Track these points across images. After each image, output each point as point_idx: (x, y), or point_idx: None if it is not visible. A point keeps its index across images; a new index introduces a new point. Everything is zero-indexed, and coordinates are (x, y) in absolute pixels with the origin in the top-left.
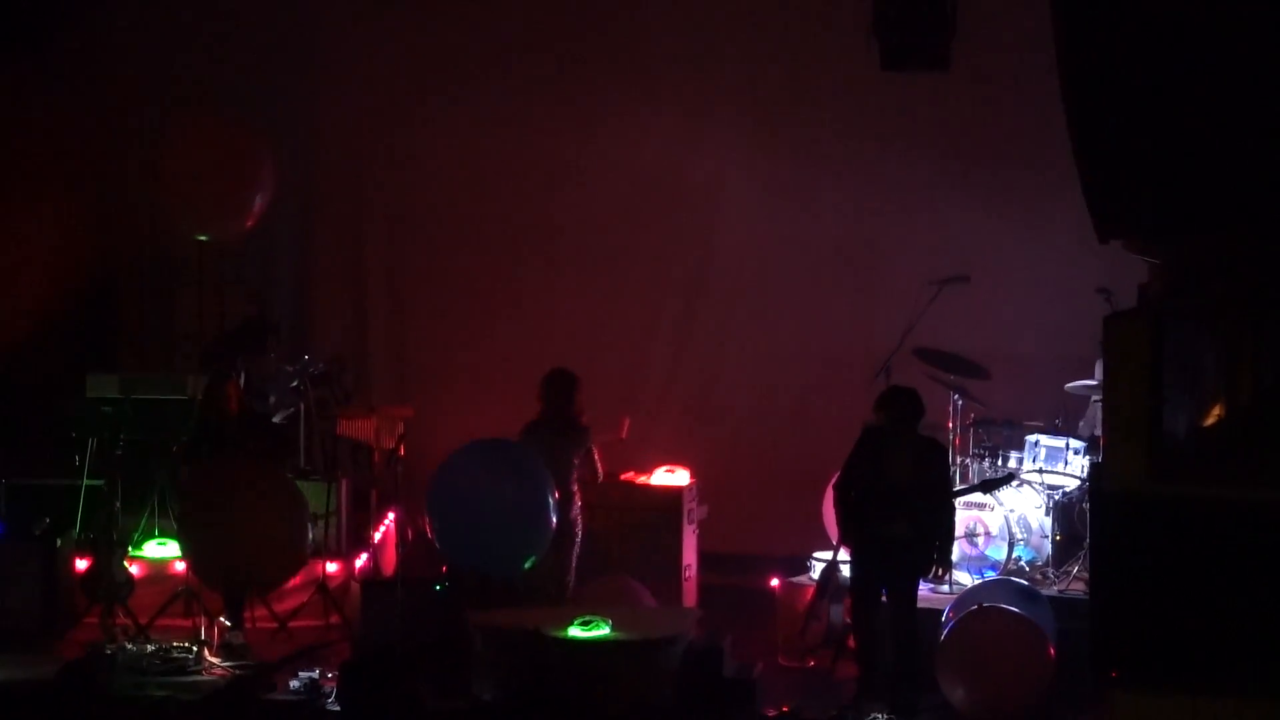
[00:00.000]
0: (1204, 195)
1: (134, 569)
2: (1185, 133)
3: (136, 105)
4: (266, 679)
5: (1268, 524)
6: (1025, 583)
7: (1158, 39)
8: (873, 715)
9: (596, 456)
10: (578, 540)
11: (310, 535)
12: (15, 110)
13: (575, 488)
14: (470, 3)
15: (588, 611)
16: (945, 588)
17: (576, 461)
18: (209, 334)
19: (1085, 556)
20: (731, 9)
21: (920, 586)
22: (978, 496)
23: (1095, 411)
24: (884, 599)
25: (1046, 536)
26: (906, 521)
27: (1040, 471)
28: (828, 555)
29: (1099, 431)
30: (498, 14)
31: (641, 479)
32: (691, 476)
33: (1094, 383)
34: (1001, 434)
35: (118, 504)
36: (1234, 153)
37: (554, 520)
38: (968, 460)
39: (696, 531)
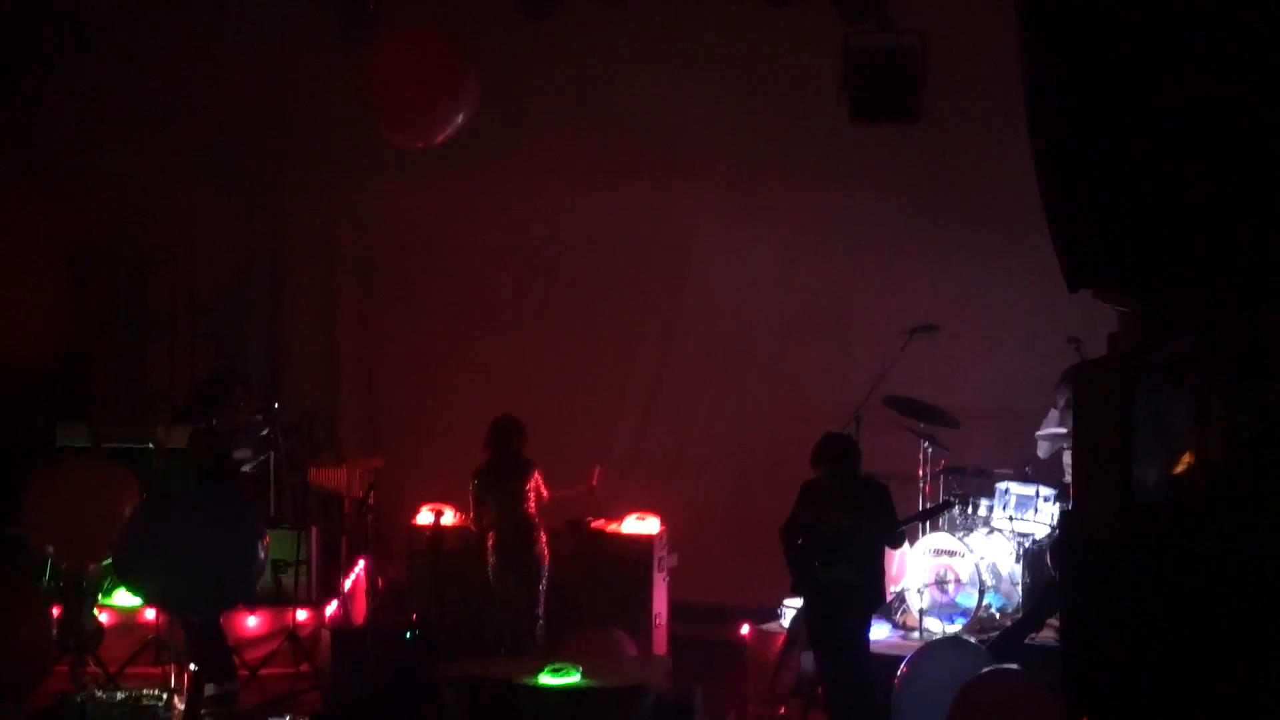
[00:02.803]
0: (1175, 247)
1: (104, 617)
2: (1155, 184)
3: (109, 165)
4: None
5: (1239, 577)
6: (971, 640)
7: (1128, 91)
8: None
9: (540, 482)
10: (544, 575)
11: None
12: None
13: (536, 520)
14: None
15: (562, 660)
16: (915, 634)
17: (529, 492)
18: (182, 389)
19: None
20: (702, 61)
21: (890, 633)
22: (948, 543)
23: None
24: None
25: (1017, 584)
26: (852, 566)
27: (1010, 519)
28: (798, 603)
29: (1066, 469)
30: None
31: (612, 527)
32: (662, 525)
33: (1063, 431)
34: (972, 482)
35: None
36: (1205, 205)
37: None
38: (941, 499)
39: (667, 580)
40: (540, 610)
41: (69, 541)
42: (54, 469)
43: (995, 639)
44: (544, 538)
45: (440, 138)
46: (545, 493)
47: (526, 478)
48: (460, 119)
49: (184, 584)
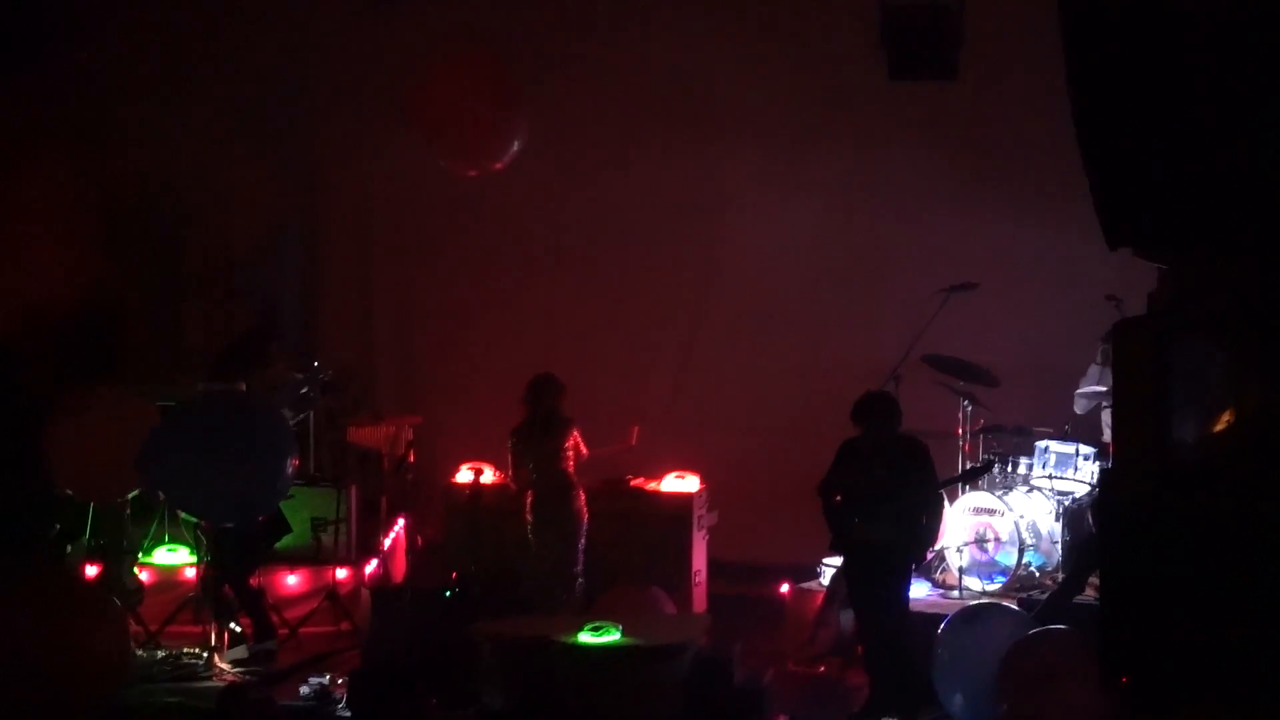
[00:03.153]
0: (1212, 204)
1: (144, 576)
2: (1194, 142)
3: (144, 125)
4: (276, 686)
5: (1274, 534)
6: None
7: (1167, 47)
8: None
9: (579, 440)
10: (582, 532)
11: None
12: (22, 124)
13: (573, 478)
14: (474, 20)
15: (600, 618)
16: (955, 593)
17: (567, 450)
18: (216, 346)
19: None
20: (739, 21)
21: (929, 592)
22: (987, 501)
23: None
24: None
25: (1056, 542)
26: (890, 524)
27: (1050, 478)
28: (837, 562)
29: (1106, 427)
30: (500, 30)
31: (651, 485)
32: (701, 483)
33: (1104, 389)
34: (1011, 440)
35: (128, 511)
36: (1243, 164)
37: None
38: (976, 463)
39: (706, 538)
40: (579, 568)
41: (91, 476)
42: (76, 404)
43: (1040, 607)
44: (582, 496)
45: (498, 166)
46: (584, 451)
47: (564, 435)
48: (516, 147)
49: (206, 487)
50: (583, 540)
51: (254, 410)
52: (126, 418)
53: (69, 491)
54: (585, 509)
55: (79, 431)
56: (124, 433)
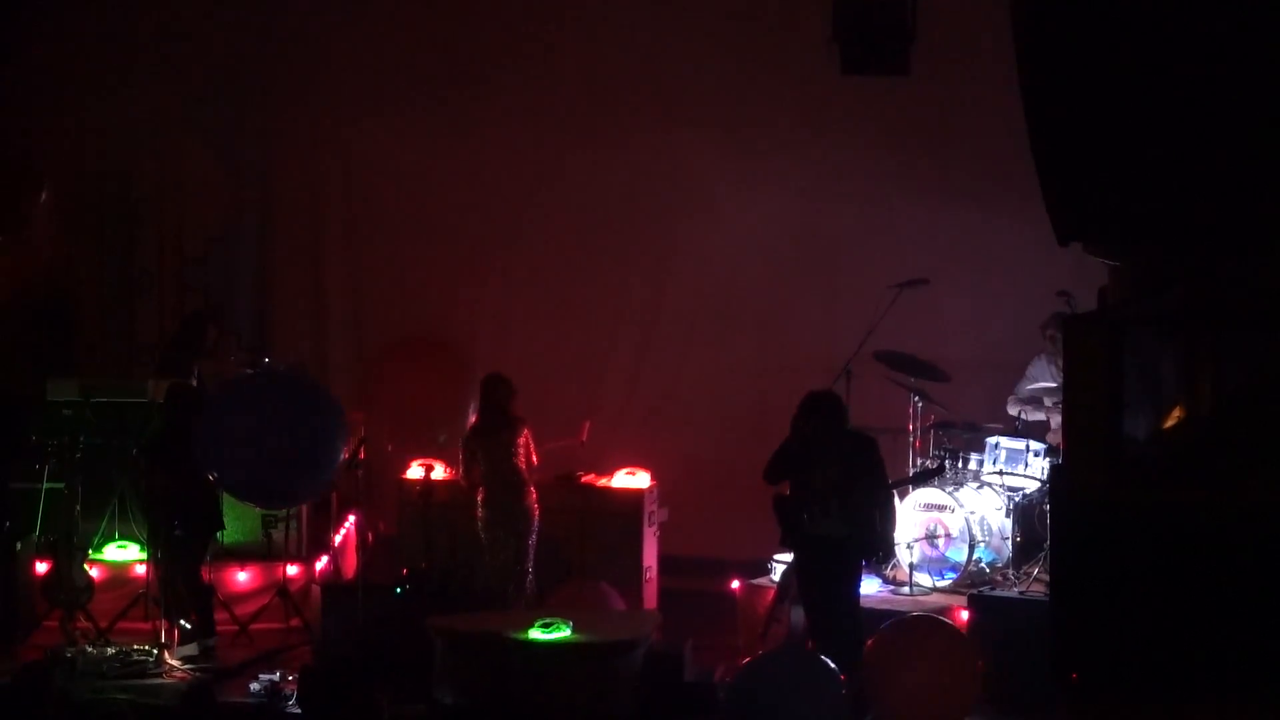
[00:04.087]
0: (1163, 200)
1: (94, 573)
2: (1145, 138)
3: (96, 118)
4: (226, 682)
5: (1228, 528)
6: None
7: (1118, 44)
8: None
9: (531, 444)
10: (534, 529)
11: None
12: None
13: (525, 475)
14: (429, 14)
15: (549, 614)
16: (905, 590)
17: (519, 447)
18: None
19: (1045, 558)
20: (692, 15)
21: (880, 588)
22: (938, 497)
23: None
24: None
25: (1007, 538)
26: (843, 520)
27: (1001, 473)
28: (788, 557)
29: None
30: (456, 25)
31: (602, 481)
32: (652, 479)
33: (1054, 385)
34: (962, 436)
35: (78, 507)
36: (1193, 160)
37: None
38: (928, 463)
39: (657, 534)
40: (530, 565)
41: None
42: None
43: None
44: (534, 493)
45: None
46: (535, 458)
47: (516, 433)
48: None
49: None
50: (534, 537)
51: (313, 393)
52: None
53: None
54: (537, 506)
55: None
56: None
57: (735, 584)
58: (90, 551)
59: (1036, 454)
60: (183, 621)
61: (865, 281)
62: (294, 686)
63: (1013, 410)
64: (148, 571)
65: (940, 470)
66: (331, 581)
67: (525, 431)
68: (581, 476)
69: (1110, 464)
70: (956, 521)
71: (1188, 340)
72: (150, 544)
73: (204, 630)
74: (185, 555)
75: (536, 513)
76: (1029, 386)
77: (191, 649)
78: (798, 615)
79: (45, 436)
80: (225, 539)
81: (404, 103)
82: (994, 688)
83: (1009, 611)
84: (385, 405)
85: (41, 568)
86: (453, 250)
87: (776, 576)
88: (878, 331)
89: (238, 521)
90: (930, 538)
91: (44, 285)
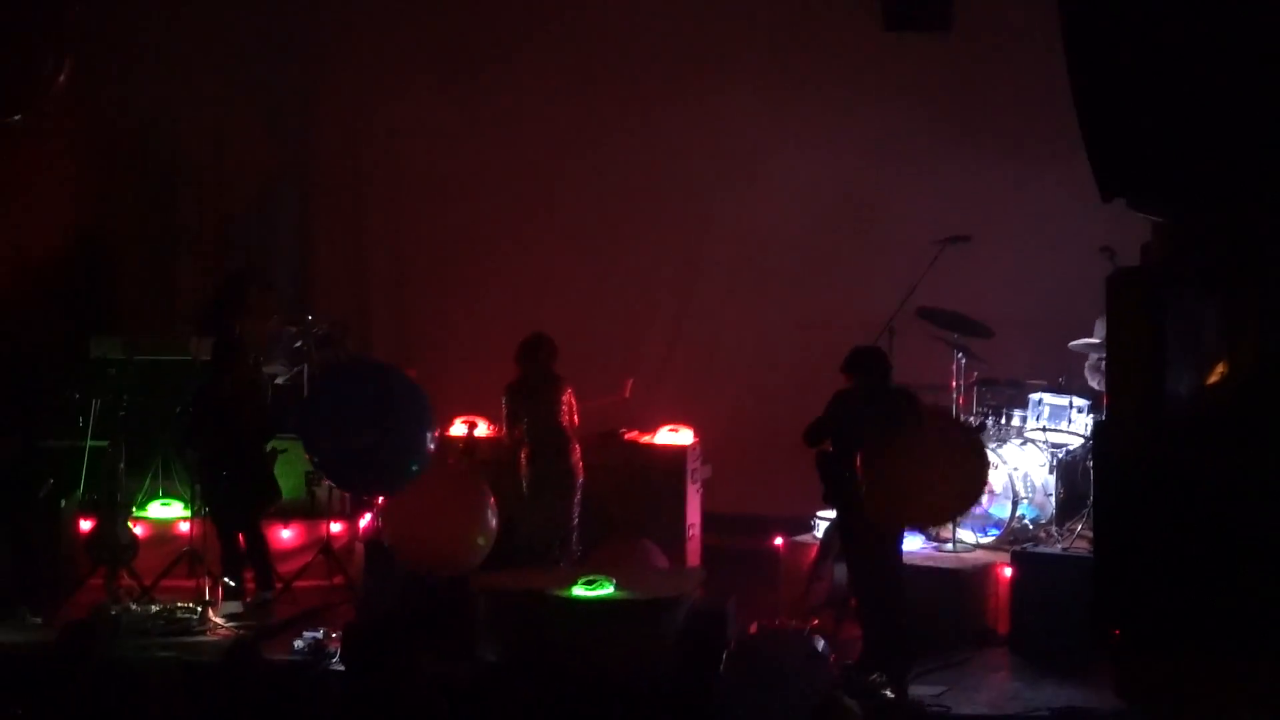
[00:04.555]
0: (1207, 157)
1: (138, 530)
2: (1189, 94)
3: (140, 77)
4: (270, 640)
5: (1270, 485)
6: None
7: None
8: (874, 676)
9: (574, 403)
10: (578, 487)
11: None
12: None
13: (569, 433)
14: None
15: (593, 571)
16: (949, 546)
17: (562, 405)
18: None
19: (1089, 515)
20: None
21: (923, 545)
22: None
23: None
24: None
25: (1050, 495)
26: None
27: (1044, 430)
28: (831, 515)
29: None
30: None
31: (645, 438)
32: (695, 436)
33: (1097, 341)
34: (1005, 393)
35: (121, 465)
36: (1238, 117)
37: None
38: (972, 419)
39: (700, 491)
40: (575, 523)
41: None
42: None
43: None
44: (578, 451)
45: None
46: (576, 418)
47: (559, 392)
48: None
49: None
50: (578, 495)
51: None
52: None
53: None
54: (581, 464)
55: None
56: None
57: (778, 541)
58: (134, 509)
59: (1080, 410)
60: (226, 579)
61: (907, 239)
62: (337, 644)
63: (1092, 382)
64: (191, 529)
65: (982, 428)
66: (374, 539)
67: (568, 390)
68: (625, 433)
69: (1153, 421)
70: (1000, 478)
71: (1230, 297)
72: (205, 499)
73: (265, 583)
74: (247, 507)
75: (580, 471)
76: (1075, 342)
77: (236, 606)
78: (841, 573)
79: (89, 394)
80: None
81: (443, 66)
82: (1037, 644)
83: (1052, 568)
84: (429, 364)
85: (85, 526)
86: (493, 211)
87: (819, 534)
88: (920, 288)
89: (281, 480)
90: None
91: (84, 244)
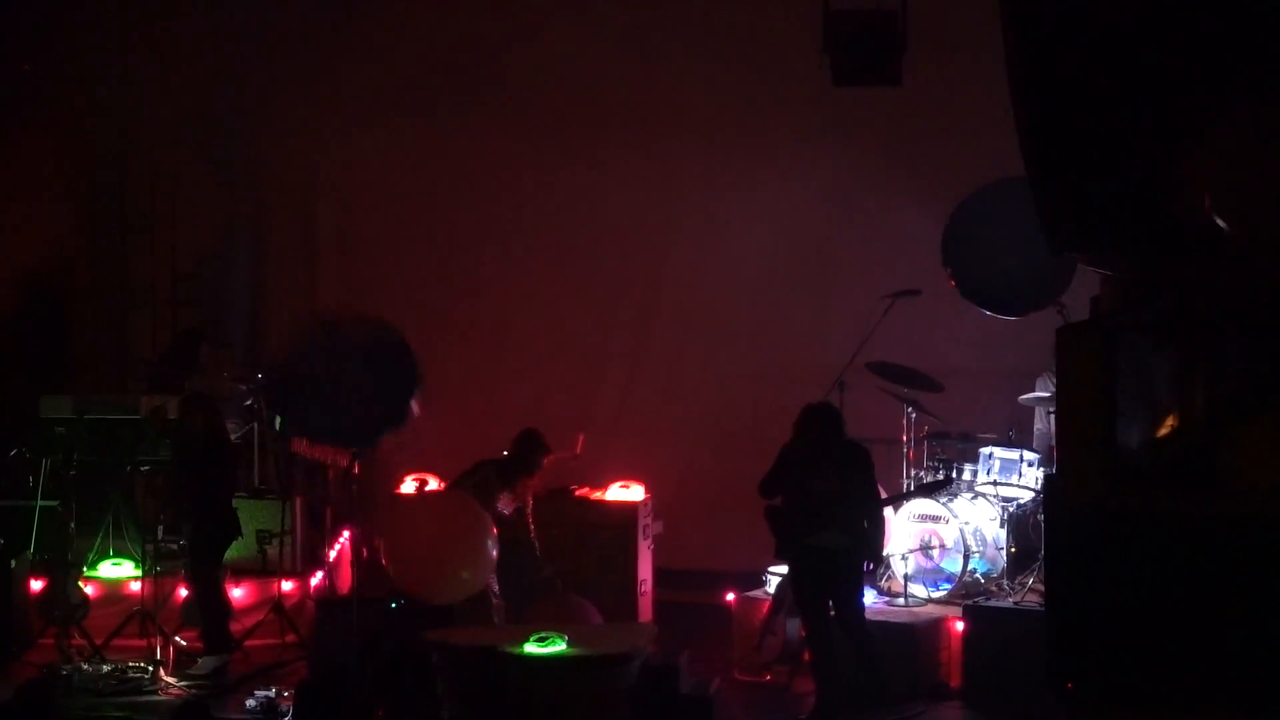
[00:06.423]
0: (1155, 210)
1: (89, 589)
2: (1137, 148)
3: (95, 131)
4: (222, 699)
5: (1222, 536)
6: None
7: (1110, 55)
8: None
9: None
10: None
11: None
12: None
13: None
14: (419, 27)
15: (544, 628)
16: (900, 601)
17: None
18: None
19: (1040, 568)
20: (684, 28)
21: (875, 599)
22: (932, 508)
23: (1047, 423)
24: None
25: (1001, 549)
26: (838, 530)
27: (994, 484)
28: (783, 569)
29: (1053, 442)
30: (447, 37)
31: (596, 495)
32: (646, 492)
33: (1047, 395)
34: (955, 446)
35: (72, 524)
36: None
37: None
38: (922, 474)
39: (652, 547)
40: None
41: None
42: None
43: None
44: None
45: None
46: (532, 527)
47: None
48: None
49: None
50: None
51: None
52: None
53: None
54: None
55: None
56: None
57: (730, 596)
58: (85, 568)
59: (1030, 464)
60: (178, 639)
61: (858, 292)
62: (290, 702)
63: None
64: (143, 588)
65: (948, 481)
66: (327, 597)
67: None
68: (575, 490)
69: (1104, 472)
70: (951, 532)
71: (1181, 347)
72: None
73: (224, 644)
74: (210, 568)
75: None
76: (1024, 396)
77: (216, 660)
78: (793, 627)
79: (38, 453)
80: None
81: (396, 115)
82: (989, 698)
83: (1004, 622)
84: None
85: (37, 585)
86: (446, 262)
87: (771, 589)
88: (870, 342)
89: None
90: (925, 549)
91: (38, 298)
